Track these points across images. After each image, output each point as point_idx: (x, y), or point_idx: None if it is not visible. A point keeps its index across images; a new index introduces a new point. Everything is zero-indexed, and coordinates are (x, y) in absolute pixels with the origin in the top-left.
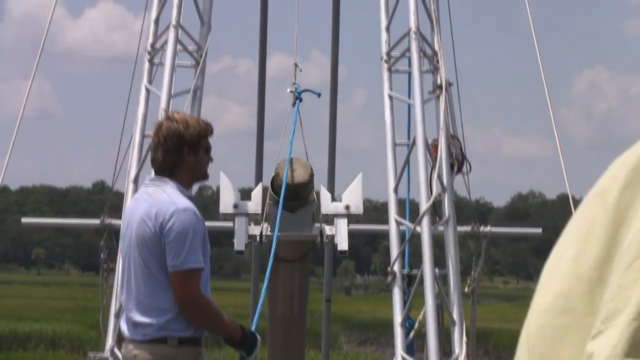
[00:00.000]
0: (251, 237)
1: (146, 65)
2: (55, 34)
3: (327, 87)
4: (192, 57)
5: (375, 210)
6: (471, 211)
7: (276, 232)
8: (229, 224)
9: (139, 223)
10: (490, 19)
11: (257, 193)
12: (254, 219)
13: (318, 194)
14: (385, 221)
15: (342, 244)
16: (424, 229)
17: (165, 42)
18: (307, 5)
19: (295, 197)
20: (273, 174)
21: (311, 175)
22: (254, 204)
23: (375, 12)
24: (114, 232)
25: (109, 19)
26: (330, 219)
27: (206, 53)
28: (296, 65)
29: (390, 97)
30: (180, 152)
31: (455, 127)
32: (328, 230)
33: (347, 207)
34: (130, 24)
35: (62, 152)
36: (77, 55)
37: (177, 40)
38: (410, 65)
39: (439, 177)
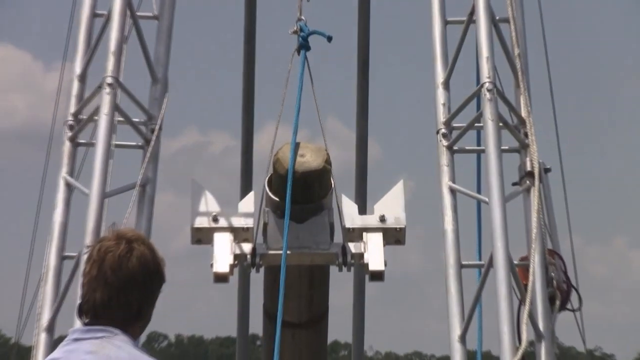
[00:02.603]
0: (238, 257)
1: (66, 147)
2: None
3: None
4: (138, 133)
5: None
6: None
7: (285, 241)
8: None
9: None
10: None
11: (247, 202)
12: (243, 238)
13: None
14: None
15: (376, 261)
16: None
17: (97, 111)
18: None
19: (305, 196)
20: (270, 163)
21: (327, 162)
22: (244, 215)
23: (424, 62)
24: None
25: (4, 71)
26: (356, 236)
27: (160, 126)
28: None
29: (452, 192)
30: (155, 291)
31: (556, 238)
32: (354, 248)
33: (383, 219)
34: (40, 81)
35: None
36: None
37: (116, 108)
38: (480, 141)
39: (531, 317)
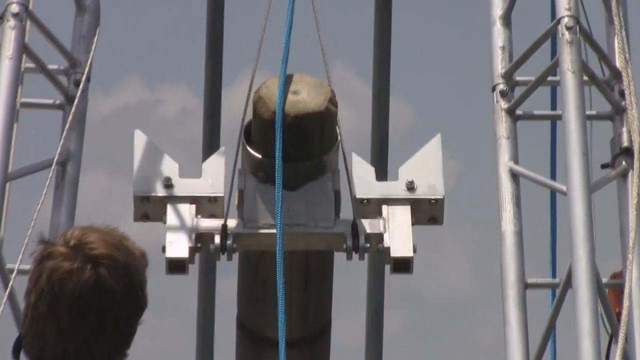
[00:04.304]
0: (202, 239)
1: None
2: None
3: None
4: (57, 86)
5: None
6: None
7: (279, 214)
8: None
9: None
10: None
11: (215, 162)
12: (209, 213)
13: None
14: None
15: (401, 245)
16: None
17: None
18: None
19: (299, 151)
20: (248, 105)
21: (331, 103)
22: (209, 179)
23: None
24: None
25: None
26: (373, 211)
27: (89, 77)
28: None
29: (514, 176)
30: (134, 331)
31: None
32: (369, 227)
33: (411, 186)
34: None
35: None
36: None
37: (24, 49)
38: (557, 103)
39: (626, 355)
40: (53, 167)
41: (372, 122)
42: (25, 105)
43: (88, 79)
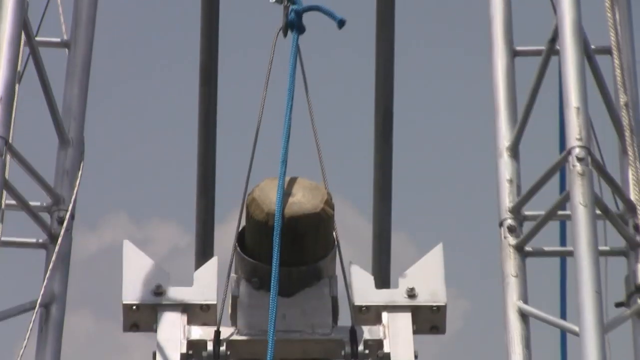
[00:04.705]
0: (194, 346)
1: None
2: None
3: None
4: (39, 224)
5: None
6: None
7: (273, 320)
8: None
9: None
10: None
11: (207, 270)
12: (201, 321)
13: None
14: None
15: (403, 352)
16: None
17: None
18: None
19: (294, 255)
20: (244, 204)
21: (328, 205)
22: (201, 287)
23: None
24: None
25: None
26: (372, 318)
27: (73, 214)
28: None
29: (523, 316)
30: None
31: None
32: (368, 333)
33: (412, 293)
34: None
35: None
36: None
37: (4, 185)
38: (566, 239)
39: None
40: (36, 309)
41: (372, 262)
42: (5, 244)
43: (72, 217)
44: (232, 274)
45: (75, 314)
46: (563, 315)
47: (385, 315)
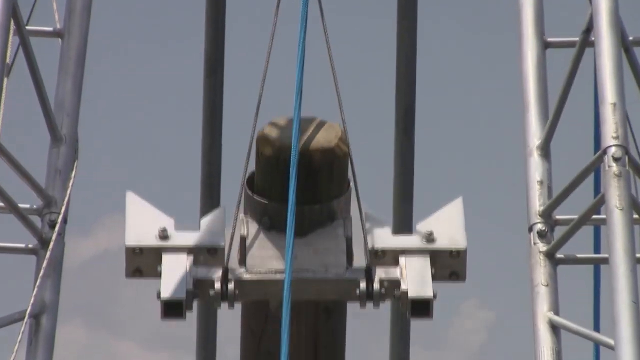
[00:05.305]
0: (201, 285)
1: None
2: None
3: None
4: (30, 229)
5: None
6: None
7: (290, 256)
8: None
9: None
10: None
11: (214, 218)
12: (207, 266)
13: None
14: None
15: (421, 288)
16: None
17: None
18: None
19: (307, 193)
20: (251, 148)
21: (343, 143)
22: (208, 231)
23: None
24: None
25: None
26: (388, 262)
27: (66, 218)
28: None
29: (554, 328)
30: None
31: None
32: (385, 273)
33: (431, 238)
34: None
35: None
36: None
37: None
38: (600, 246)
39: None
40: (25, 320)
41: (394, 170)
42: None
43: (65, 220)
44: (241, 216)
45: (67, 325)
46: (597, 328)
47: (402, 259)
